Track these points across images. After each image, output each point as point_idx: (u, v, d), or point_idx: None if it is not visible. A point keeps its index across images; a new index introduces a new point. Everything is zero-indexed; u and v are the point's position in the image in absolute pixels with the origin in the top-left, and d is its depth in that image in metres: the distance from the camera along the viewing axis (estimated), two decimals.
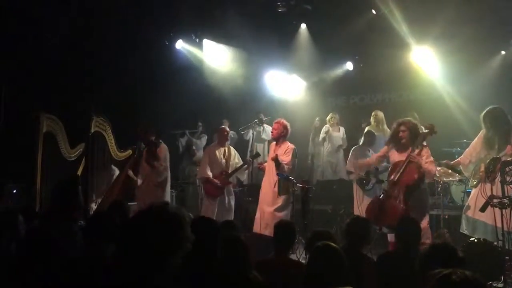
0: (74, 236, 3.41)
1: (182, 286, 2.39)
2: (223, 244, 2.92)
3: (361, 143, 7.79)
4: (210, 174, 7.14)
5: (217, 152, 7.30)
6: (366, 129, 8.28)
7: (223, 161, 7.27)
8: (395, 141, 5.62)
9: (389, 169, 5.70)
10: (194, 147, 9.79)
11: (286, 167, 6.28)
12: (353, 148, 7.80)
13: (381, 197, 5.58)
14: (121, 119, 7.86)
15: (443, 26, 8.58)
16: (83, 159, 6.83)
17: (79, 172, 6.80)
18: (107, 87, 9.42)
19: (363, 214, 5.68)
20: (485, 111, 5.52)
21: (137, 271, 1.74)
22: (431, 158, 5.49)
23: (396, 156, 5.63)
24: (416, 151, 5.44)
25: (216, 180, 7.12)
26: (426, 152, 5.50)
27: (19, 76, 8.58)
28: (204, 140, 10.28)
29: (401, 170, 5.40)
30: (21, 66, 8.57)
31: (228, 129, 7.69)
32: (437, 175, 6.25)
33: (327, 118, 9.43)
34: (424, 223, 5.24)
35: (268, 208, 6.39)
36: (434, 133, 5.56)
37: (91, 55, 9.27)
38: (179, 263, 1.83)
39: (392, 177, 5.46)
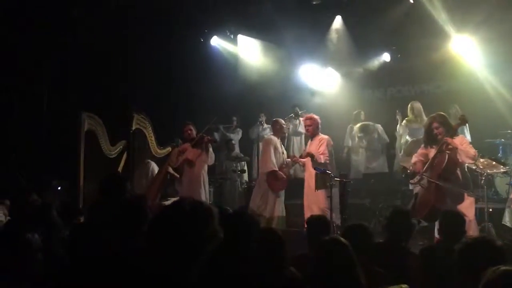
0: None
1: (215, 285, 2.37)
2: (258, 238, 2.80)
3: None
4: (276, 167, 6.82)
5: (278, 144, 7.02)
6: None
7: (283, 153, 7.08)
8: (432, 139, 5.44)
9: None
10: (233, 141, 9.82)
11: (322, 157, 6.23)
12: (411, 140, 7.69)
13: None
14: (158, 116, 8.00)
15: (485, 12, 8.28)
16: (124, 156, 7.00)
17: (120, 169, 6.97)
18: (144, 85, 9.59)
19: None
20: None
21: (167, 265, 1.76)
22: (467, 142, 5.42)
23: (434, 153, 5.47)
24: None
25: (281, 173, 6.86)
26: (460, 138, 5.42)
27: (61, 77, 8.85)
28: (239, 134, 10.30)
29: (433, 162, 5.31)
30: (63, 67, 8.85)
31: (283, 121, 7.41)
32: (481, 167, 6.08)
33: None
34: (470, 215, 5.10)
35: (313, 203, 6.37)
36: (466, 122, 5.64)
37: (128, 54, 9.46)
38: (207, 258, 1.84)
39: (425, 170, 5.38)
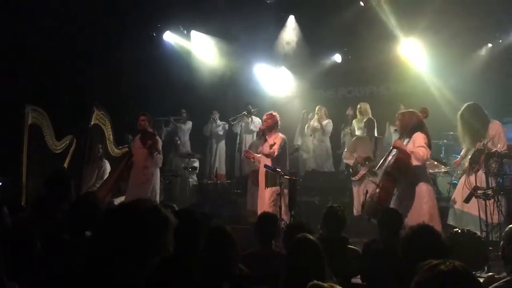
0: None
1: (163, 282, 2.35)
2: (207, 236, 2.81)
3: (365, 134, 7.68)
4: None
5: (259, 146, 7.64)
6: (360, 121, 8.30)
7: None
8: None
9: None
10: (177, 138, 9.72)
11: (274, 153, 6.24)
12: (354, 138, 7.84)
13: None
14: (109, 110, 7.79)
15: (431, 18, 8.61)
16: (70, 151, 6.79)
17: (65, 165, 6.75)
18: (95, 79, 9.35)
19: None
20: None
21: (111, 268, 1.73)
22: (422, 144, 5.23)
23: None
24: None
25: None
26: (417, 136, 5.30)
27: (5, 68, 8.48)
28: (189, 125, 10.20)
29: (386, 160, 5.43)
30: (8, 58, 8.48)
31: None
32: None
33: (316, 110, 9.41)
34: (431, 211, 5.14)
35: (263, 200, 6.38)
36: (425, 116, 5.49)
37: (80, 47, 9.19)
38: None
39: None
